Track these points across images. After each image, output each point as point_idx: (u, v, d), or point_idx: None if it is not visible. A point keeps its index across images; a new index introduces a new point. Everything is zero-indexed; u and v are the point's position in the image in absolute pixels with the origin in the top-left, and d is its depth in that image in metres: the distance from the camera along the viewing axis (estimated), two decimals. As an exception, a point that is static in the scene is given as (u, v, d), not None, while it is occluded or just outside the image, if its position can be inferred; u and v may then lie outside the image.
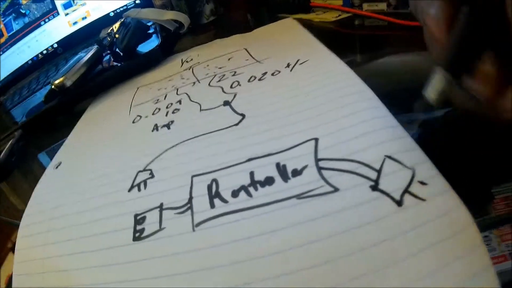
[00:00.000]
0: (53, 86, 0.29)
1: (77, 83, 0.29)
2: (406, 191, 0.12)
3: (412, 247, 0.10)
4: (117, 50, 0.32)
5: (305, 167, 0.14)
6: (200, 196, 0.14)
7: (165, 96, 0.24)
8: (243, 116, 0.18)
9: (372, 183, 0.12)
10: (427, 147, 0.13)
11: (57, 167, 0.22)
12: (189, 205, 0.14)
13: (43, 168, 0.23)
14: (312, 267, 0.10)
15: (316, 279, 0.10)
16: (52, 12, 0.44)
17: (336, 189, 0.12)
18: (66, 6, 0.43)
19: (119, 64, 0.31)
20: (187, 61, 0.29)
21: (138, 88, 0.28)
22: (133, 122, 0.22)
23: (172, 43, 0.34)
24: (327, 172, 0.13)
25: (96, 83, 0.30)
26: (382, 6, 0.27)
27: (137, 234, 0.14)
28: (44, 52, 0.45)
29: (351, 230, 0.11)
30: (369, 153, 0.14)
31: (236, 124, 0.17)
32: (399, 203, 0.11)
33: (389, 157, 0.13)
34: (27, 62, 0.46)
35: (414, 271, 0.10)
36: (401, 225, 0.11)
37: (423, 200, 0.11)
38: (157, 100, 0.24)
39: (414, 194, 0.12)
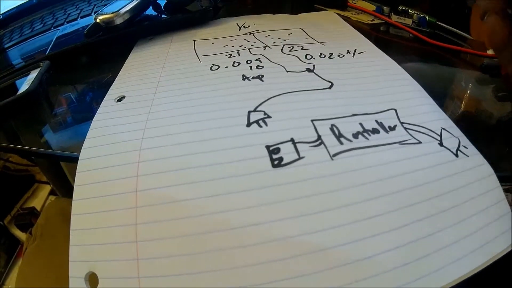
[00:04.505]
0: (98, 21, 0.28)
1: (127, 23, 0.28)
2: (458, 149, 0.18)
3: (463, 181, 0.17)
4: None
5: (395, 125, 0.19)
6: (327, 135, 0.17)
7: (238, 53, 0.26)
8: (331, 83, 0.22)
9: (439, 142, 0.18)
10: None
11: (119, 100, 0.23)
12: (320, 141, 0.17)
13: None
14: (413, 187, 0.16)
15: (412, 195, 0.16)
16: None
17: (420, 142, 0.18)
18: None
19: (164, 16, 0.32)
20: (244, 27, 0.31)
21: (195, 40, 0.29)
22: (211, 69, 0.24)
23: (220, 7, 0.35)
24: (410, 131, 0.18)
25: (146, 27, 0.30)
26: (408, 21, 0.34)
27: (275, 162, 0.16)
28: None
29: (433, 167, 0.17)
30: (431, 124, 0.19)
31: (329, 88, 0.21)
32: (456, 155, 0.18)
33: (444, 129, 0.19)
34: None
35: (463, 194, 0.16)
36: (457, 168, 0.17)
37: (467, 156, 0.18)
38: (230, 55, 0.26)
39: (463, 151, 0.18)
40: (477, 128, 0.23)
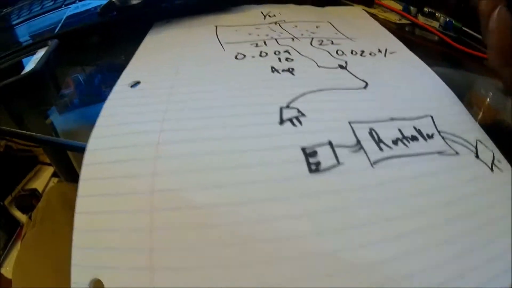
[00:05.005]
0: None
1: (144, 3, 0.26)
2: (492, 163, 0.17)
3: (499, 197, 0.16)
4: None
5: (433, 134, 0.18)
6: (366, 140, 0.16)
7: (265, 42, 0.25)
8: (366, 83, 0.21)
9: (475, 154, 0.18)
10: None
11: (133, 86, 0.21)
12: (360, 146, 0.16)
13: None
14: (452, 202, 0.15)
15: (452, 210, 0.15)
16: None
17: (457, 153, 0.17)
18: None
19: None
20: (269, 16, 0.29)
21: (216, 26, 0.27)
22: (236, 58, 0.23)
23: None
24: (447, 141, 0.18)
25: (163, 9, 0.28)
26: (435, 24, 0.33)
27: (313, 167, 0.15)
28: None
29: (471, 180, 0.16)
30: (466, 135, 0.19)
31: (364, 88, 0.20)
32: (491, 169, 0.17)
33: (479, 141, 0.18)
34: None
35: (500, 211, 0.15)
36: (494, 183, 0.17)
37: (501, 170, 0.17)
38: (256, 44, 0.24)
39: (497, 166, 0.18)
40: (501, 141, 0.23)
